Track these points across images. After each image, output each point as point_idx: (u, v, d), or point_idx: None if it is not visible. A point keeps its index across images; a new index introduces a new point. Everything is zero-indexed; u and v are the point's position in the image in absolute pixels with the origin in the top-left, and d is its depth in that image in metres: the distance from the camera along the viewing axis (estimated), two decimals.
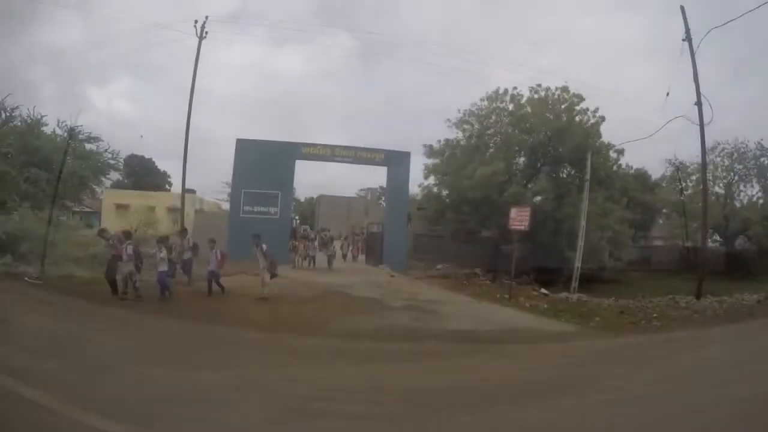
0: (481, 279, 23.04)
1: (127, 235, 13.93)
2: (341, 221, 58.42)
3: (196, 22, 24.51)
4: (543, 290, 18.95)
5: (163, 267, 13.18)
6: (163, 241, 14.05)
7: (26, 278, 15.43)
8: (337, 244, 31.81)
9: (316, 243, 26.44)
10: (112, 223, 31.83)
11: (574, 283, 20.26)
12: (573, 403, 6.10)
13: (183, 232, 17.44)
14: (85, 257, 18.51)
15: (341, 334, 10.21)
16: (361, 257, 30.73)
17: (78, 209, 35.33)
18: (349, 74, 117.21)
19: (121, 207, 38.10)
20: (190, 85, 25.05)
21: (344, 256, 30.63)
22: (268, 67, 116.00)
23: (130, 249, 12.94)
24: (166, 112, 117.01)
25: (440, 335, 10.55)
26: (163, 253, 13.24)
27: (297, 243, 24.44)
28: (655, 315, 14.14)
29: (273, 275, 14.31)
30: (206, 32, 24.58)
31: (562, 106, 26.74)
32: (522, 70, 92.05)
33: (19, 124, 27.38)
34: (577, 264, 20.66)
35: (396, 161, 26.04)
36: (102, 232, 15.20)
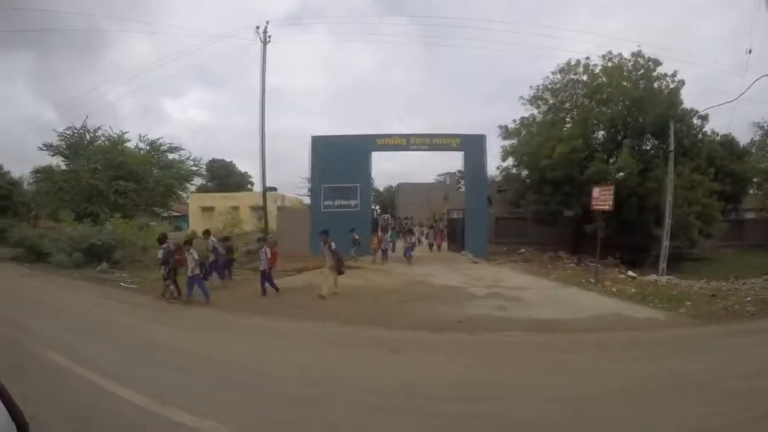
0: (565, 262, 22.65)
1: (161, 239, 14.35)
2: (422, 208, 58.64)
3: (257, 27, 25.38)
4: (630, 273, 18.34)
5: (195, 270, 13.15)
6: (189, 242, 14.00)
7: (122, 283, 16.57)
8: (417, 232, 31.83)
9: (387, 235, 25.80)
10: (199, 224, 33.82)
11: (662, 264, 19.60)
12: (666, 402, 5.91)
13: (205, 233, 17.25)
14: None
15: (425, 326, 10.09)
16: (445, 245, 30.44)
17: (166, 214, 38.00)
18: (414, 60, 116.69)
19: (206, 209, 40.05)
20: (260, 88, 26.03)
21: (430, 246, 30.17)
22: (335, 61, 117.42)
23: (160, 253, 13.64)
24: (241, 114, 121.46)
25: (526, 325, 10.38)
26: (193, 255, 13.17)
27: (371, 237, 23.90)
28: (749, 299, 13.25)
29: (340, 272, 13.98)
30: (269, 36, 25.35)
31: (638, 73, 25.79)
32: (591, 39, 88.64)
33: (104, 142, 30.59)
34: (665, 242, 19.97)
35: (472, 145, 25.74)
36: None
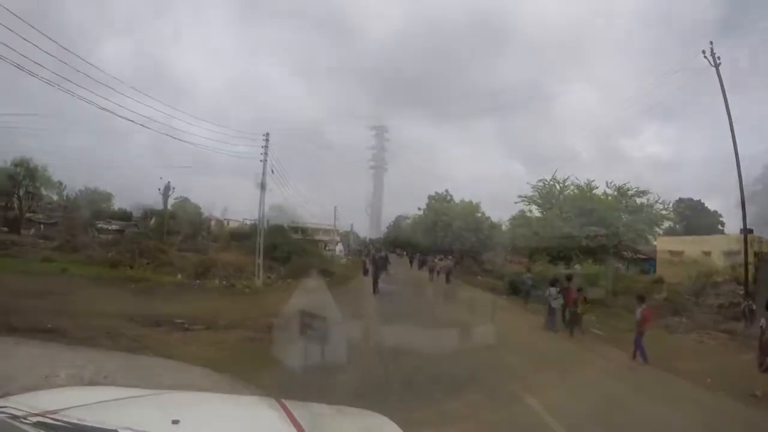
0: None
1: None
2: None
3: (703, 52, 22.44)
4: None
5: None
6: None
7: (591, 328, 17.38)
8: None
9: None
10: (666, 269, 32.89)
11: None
12: None
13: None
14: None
15: None
16: None
17: (634, 257, 38.40)
18: None
19: (674, 253, 38.08)
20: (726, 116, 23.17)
21: None
22: None
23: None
24: (707, 145, 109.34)
25: None
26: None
27: None
28: None
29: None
30: (719, 57, 22.43)
31: None
32: None
33: (573, 191, 33.87)
34: None
35: None
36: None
